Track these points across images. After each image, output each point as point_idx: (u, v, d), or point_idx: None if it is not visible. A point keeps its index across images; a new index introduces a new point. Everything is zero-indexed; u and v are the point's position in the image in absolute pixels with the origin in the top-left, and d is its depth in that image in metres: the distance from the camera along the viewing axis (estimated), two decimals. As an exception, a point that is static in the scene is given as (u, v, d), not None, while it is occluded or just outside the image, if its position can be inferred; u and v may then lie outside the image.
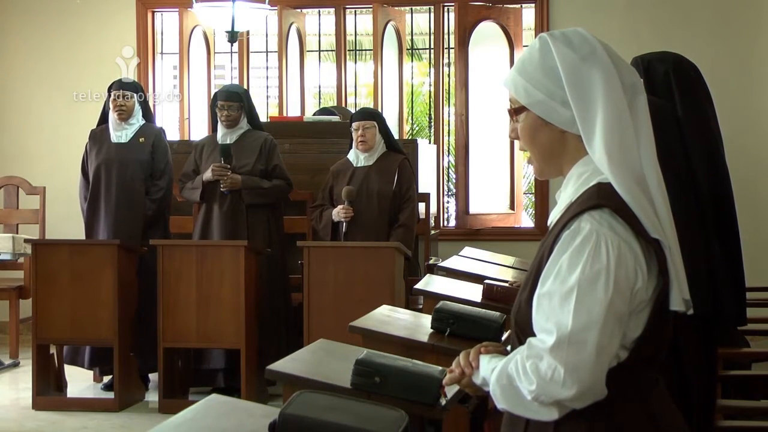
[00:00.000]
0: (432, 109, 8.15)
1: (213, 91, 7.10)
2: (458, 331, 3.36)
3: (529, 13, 7.91)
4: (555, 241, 1.76)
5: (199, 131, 7.69)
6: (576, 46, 1.82)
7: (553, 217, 1.86)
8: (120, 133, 6.08)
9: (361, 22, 8.30)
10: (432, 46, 8.06)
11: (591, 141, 1.79)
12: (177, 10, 7.84)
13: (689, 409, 3.05)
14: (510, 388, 1.76)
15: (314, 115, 7.35)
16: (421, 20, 8.72)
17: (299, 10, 7.98)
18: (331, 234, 5.87)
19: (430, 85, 8.31)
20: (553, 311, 1.72)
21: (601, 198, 1.75)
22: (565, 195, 1.85)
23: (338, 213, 5.80)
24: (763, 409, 3.72)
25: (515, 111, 1.89)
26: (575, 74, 1.80)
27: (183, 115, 7.94)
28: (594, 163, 1.80)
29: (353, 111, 6.70)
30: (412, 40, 8.79)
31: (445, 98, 8.02)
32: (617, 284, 1.70)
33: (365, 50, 8.23)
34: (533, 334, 1.76)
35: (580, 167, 1.83)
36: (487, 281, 4.34)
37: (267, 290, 5.85)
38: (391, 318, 3.72)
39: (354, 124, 6.00)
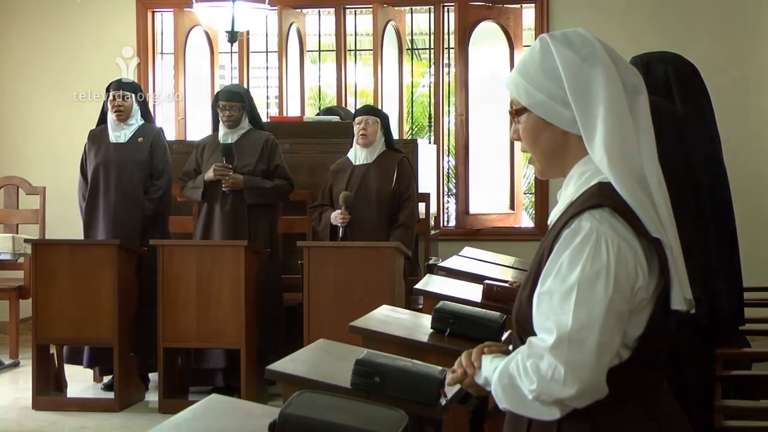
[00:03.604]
0: (432, 109, 8.14)
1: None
2: (458, 331, 3.35)
3: (529, 13, 7.91)
4: (555, 240, 1.77)
5: (196, 131, 7.69)
6: (577, 46, 1.82)
7: (554, 216, 1.86)
8: (119, 134, 6.08)
9: (361, 22, 8.29)
10: (432, 46, 8.05)
11: (591, 141, 1.79)
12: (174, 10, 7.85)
13: (688, 409, 3.05)
14: (511, 387, 1.77)
15: (318, 114, 7.35)
16: (421, 20, 8.71)
17: (299, 10, 7.98)
18: (330, 236, 5.87)
19: (430, 85, 8.30)
20: (553, 310, 1.72)
21: (601, 197, 1.76)
22: (565, 194, 1.85)
23: (335, 218, 5.80)
24: (763, 409, 3.72)
25: (517, 112, 1.89)
26: (576, 75, 1.80)
27: (177, 114, 7.93)
28: (595, 163, 1.80)
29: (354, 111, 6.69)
30: (412, 40, 8.78)
31: (445, 98, 8.01)
32: (617, 283, 1.70)
33: (365, 50, 8.22)
34: (534, 333, 1.77)
35: (581, 167, 1.83)
36: (487, 281, 4.33)
37: (267, 290, 5.84)
38: (391, 318, 3.71)
39: (357, 118, 5.99)
